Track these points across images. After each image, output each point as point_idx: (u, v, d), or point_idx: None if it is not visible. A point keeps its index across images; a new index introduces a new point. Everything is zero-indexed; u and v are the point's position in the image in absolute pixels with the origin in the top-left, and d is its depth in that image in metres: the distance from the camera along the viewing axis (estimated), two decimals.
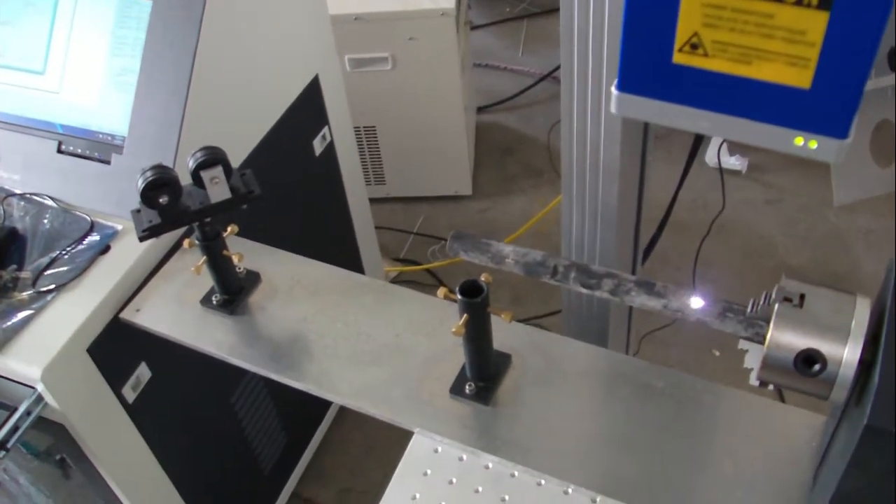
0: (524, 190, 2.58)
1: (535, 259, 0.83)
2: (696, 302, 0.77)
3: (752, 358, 0.73)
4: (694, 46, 0.65)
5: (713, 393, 0.95)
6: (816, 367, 0.68)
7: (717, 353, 2.05)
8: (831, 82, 0.62)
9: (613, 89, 0.72)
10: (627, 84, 0.71)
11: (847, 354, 0.67)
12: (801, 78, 0.63)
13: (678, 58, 0.67)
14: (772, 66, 0.63)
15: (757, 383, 0.73)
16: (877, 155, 2.28)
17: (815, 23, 0.60)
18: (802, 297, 0.70)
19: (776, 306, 0.69)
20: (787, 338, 0.68)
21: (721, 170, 2.15)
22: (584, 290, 0.80)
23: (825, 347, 0.67)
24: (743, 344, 0.75)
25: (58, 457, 1.28)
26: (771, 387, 0.73)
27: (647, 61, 0.68)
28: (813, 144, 0.65)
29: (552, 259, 0.83)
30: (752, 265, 2.28)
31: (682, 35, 0.65)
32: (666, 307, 0.78)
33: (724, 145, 2.45)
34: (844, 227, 2.34)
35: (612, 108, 0.72)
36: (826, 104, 0.64)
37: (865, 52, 0.59)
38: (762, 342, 0.71)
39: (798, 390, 0.71)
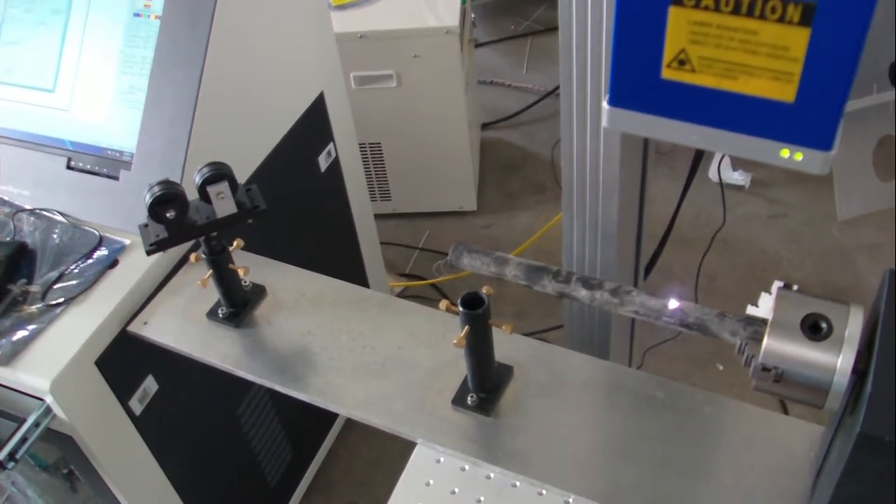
0: (528, 206, 2.59)
1: (536, 265, 0.84)
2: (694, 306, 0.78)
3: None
4: (681, 62, 0.67)
5: (713, 404, 0.95)
6: (823, 328, 0.67)
7: (721, 367, 2.06)
8: (814, 96, 0.64)
9: (605, 104, 0.74)
10: (618, 99, 0.73)
11: (841, 363, 0.67)
12: (785, 92, 0.64)
13: (666, 73, 0.69)
14: (757, 81, 0.65)
15: (759, 372, 0.71)
16: (879, 170, 2.29)
17: (797, 39, 0.61)
18: None
19: (776, 290, 0.70)
20: (791, 313, 0.68)
21: (722, 185, 2.16)
22: (585, 292, 0.81)
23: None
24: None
25: (65, 470, 1.29)
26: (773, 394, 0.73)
27: (637, 77, 0.70)
28: (798, 156, 0.66)
29: (553, 267, 0.84)
30: (756, 279, 2.28)
31: (669, 51, 0.67)
32: (664, 309, 0.78)
33: (727, 160, 2.46)
34: (848, 242, 2.34)
35: (605, 123, 0.74)
36: (810, 117, 0.65)
37: (846, 66, 0.60)
38: (760, 340, 0.71)
39: (795, 400, 0.72)
